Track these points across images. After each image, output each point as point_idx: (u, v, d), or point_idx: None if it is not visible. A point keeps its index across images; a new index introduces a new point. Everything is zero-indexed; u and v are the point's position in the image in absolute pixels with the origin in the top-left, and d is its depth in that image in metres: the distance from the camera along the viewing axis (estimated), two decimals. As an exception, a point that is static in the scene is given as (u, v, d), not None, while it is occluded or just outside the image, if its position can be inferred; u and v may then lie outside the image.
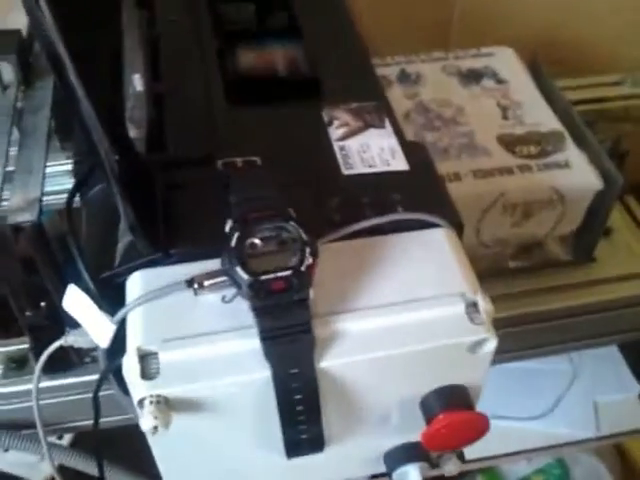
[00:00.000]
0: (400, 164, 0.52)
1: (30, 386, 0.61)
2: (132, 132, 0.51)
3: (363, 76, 0.61)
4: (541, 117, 0.72)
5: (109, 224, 0.47)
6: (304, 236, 0.41)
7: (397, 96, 0.72)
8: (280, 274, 0.40)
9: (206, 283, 0.42)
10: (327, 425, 0.43)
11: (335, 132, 0.54)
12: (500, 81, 0.75)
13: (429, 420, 0.45)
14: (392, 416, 0.47)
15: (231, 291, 0.42)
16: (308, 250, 0.41)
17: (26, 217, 0.51)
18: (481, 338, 0.43)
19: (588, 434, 1.04)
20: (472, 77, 0.75)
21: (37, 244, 0.52)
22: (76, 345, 0.52)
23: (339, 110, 0.56)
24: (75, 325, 0.55)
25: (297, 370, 0.40)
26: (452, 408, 0.45)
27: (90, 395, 0.63)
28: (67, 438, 0.80)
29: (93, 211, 0.50)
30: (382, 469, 0.51)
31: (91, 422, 0.50)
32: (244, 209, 0.42)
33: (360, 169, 0.52)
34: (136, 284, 0.44)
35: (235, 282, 0.40)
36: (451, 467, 0.51)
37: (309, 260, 0.40)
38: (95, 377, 0.61)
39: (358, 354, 0.41)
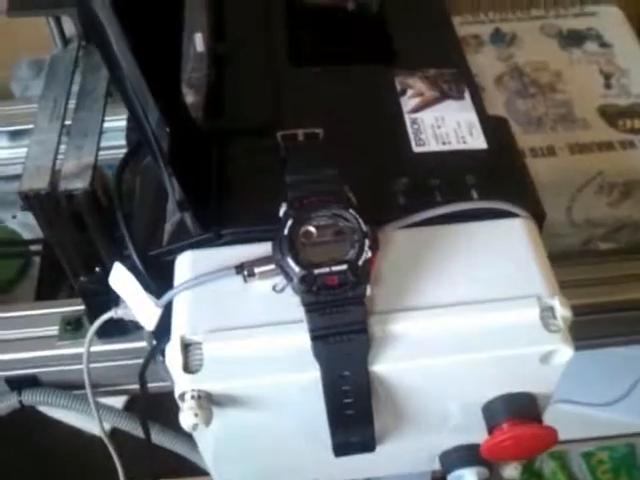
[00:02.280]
0: (478, 142, 0.47)
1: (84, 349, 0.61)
2: (189, 97, 0.47)
3: (442, 39, 0.56)
4: (649, 87, 0.64)
5: (161, 198, 0.44)
6: (363, 227, 0.37)
7: (489, 58, 0.66)
8: (335, 268, 0.36)
9: (256, 270, 0.39)
10: (379, 426, 0.40)
11: (408, 103, 0.50)
12: (604, 45, 0.67)
13: (492, 429, 0.41)
14: (450, 420, 0.43)
15: (283, 280, 0.39)
16: (367, 243, 0.37)
17: (78, 184, 0.48)
18: (556, 348, 0.38)
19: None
20: (573, 39, 0.68)
21: (89, 211, 0.50)
22: (126, 318, 0.51)
23: (414, 77, 0.51)
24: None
25: (349, 372, 0.37)
26: (518, 419, 0.41)
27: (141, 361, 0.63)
28: (121, 401, 0.80)
29: (146, 181, 0.47)
30: (435, 466, 0.48)
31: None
32: (300, 192, 0.39)
33: (433, 146, 0.47)
34: (184, 265, 0.41)
35: (286, 274, 0.37)
36: (512, 471, 0.48)
37: (368, 254, 0.37)
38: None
39: (416, 359, 0.38)
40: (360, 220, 0.37)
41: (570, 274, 0.58)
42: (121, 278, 0.42)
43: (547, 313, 0.39)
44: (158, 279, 0.43)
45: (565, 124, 0.61)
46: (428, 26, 0.57)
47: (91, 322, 0.60)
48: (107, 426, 0.61)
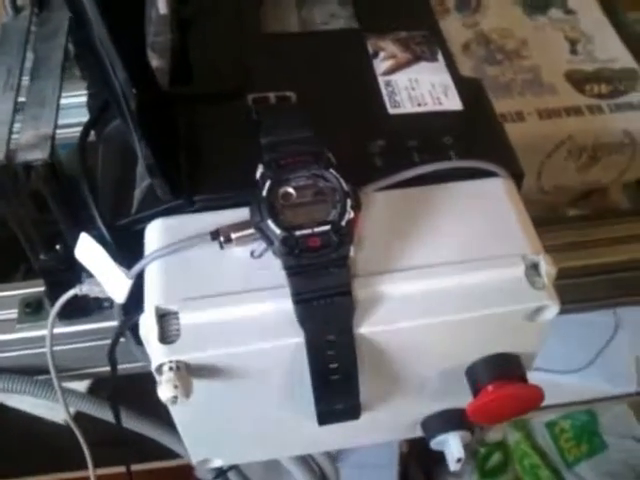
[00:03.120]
0: (453, 103, 0.46)
1: (45, 332, 0.58)
2: (154, 62, 0.45)
3: (411, 1, 0.55)
4: (614, 53, 0.64)
5: (127, 165, 0.42)
6: (345, 186, 0.36)
7: (455, 25, 0.65)
8: (317, 229, 0.35)
9: (233, 236, 0.38)
10: (362, 393, 0.39)
11: (380, 65, 0.48)
12: (569, 11, 0.67)
13: (476, 391, 0.40)
14: (433, 383, 0.42)
15: (261, 245, 0.37)
16: (349, 202, 0.36)
17: (37, 155, 0.46)
18: (542, 305, 0.38)
19: (628, 389, 1.00)
20: (538, 6, 0.67)
21: (49, 184, 0.47)
22: (91, 294, 0.49)
23: (386, 40, 0.50)
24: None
25: (333, 336, 0.36)
26: (503, 379, 0.40)
27: (107, 342, 0.61)
28: (84, 384, 0.78)
29: (110, 149, 0.45)
30: (417, 434, 0.48)
31: (108, 369, 0.47)
32: (277, 153, 0.37)
33: (408, 108, 0.46)
34: (155, 233, 0.39)
35: (266, 237, 0.35)
36: (496, 435, 0.47)
37: (350, 214, 0.35)
38: (113, 323, 0.59)
39: (402, 320, 0.37)
40: (341, 180, 0.36)
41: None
42: (88, 250, 0.40)
43: (531, 271, 0.39)
44: (127, 250, 0.41)
45: (533, 89, 0.61)
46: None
47: (52, 302, 0.57)
48: (71, 411, 0.59)
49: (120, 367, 0.48)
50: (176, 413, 0.39)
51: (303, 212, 0.36)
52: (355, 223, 0.36)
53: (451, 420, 0.45)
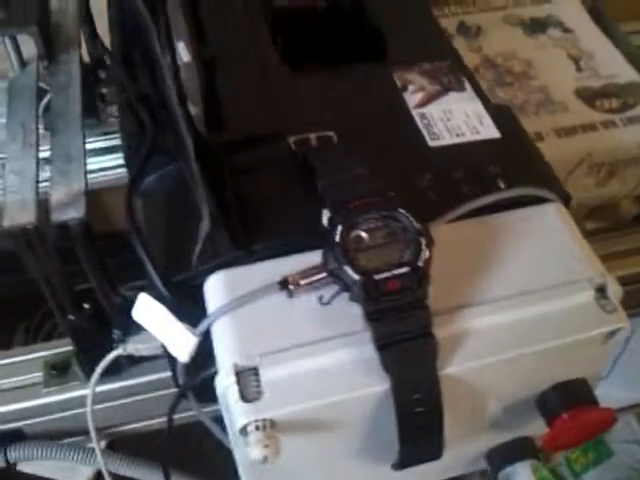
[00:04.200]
0: (490, 131, 0.46)
1: (74, 394, 0.56)
2: (191, 110, 0.44)
3: (427, 29, 0.55)
4: (616, 68, 0.65)
5: (176, 218, 0.41)
6: (417, 225, 0.35)
7: (462, 50, 0.65)
8: (396, 271, 0.34)
9: (302, 282, 0.37)
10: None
11: (412, 98, 0.48)
12: (566, 30, 0.69)
13: (551, 420, 0.40)
14: (501, 415, 0.42)
15: (330, 290, 0.37)
16: (423, 241, 0.35)
17: (72, 214, 0.44)
18: (616, 327, 0.38)
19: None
20: (537, 27, 0.69)
21: (84, 242, 0.46)
22: (137, 354, 0.47)
23: (412, 72, 0.50)
24: (121, 327, 0.50)
25: (419, 380, 0.35)
26: (576, 406, 0.40)
27: (139, 397, 0.59)
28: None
29: (153, 203, 0.43)
30: (481, 466, 0.47)
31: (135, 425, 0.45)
32: (340, 195, 0.37)
33: (447, 139, 0.46)
34: (218, 287, 0.38)
35: (343, 283, 0.35)
36: (557, 458, 0.47)
37: (426, 253, 0.35)
38: (145, 379, 0.57)
39: (484, 357, 0.36)
40: (412, 218, 0.36)
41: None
42: (147, 309, 0.38)
43: (600, 294, 0.39)
44: (183, 306, 0.39)
45: (546, 108, 0.62)
46: (410, 16, 0.56)
47: (84, 363, 0.55)
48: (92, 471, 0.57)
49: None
50: (254, 472, 0.38)
51: (376, 255, 0.35)
52: (430, 261, 0.35)
53: (519, 450, 0.44)
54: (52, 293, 0.51)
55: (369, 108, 0.47)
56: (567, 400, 0.40)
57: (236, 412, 0.34)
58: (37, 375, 0.57)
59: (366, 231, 0.35)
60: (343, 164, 0.39)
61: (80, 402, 0.54)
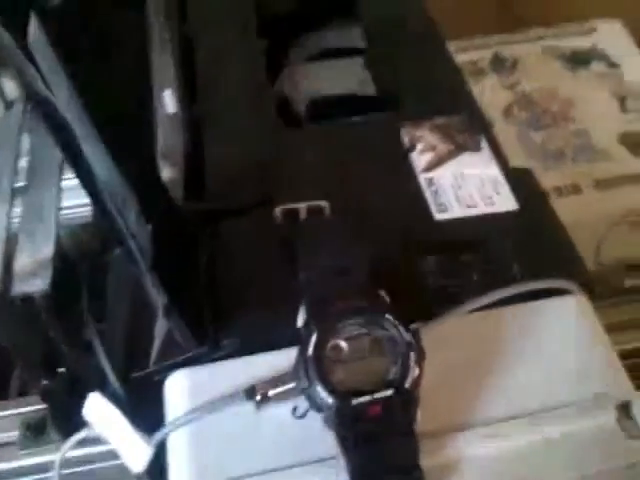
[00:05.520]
0: (507, 202, 0.41)
1: (49, 458, 0.52)
2: (165, 173, 0.40)
3: (444, 75, 0.49)
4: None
5: (140, 305, 0.36)
6: (406, 336, 0.30)
7: (493, 87, 0.60)
8: (378, 395, 0.29)
9: (271, 393, 0.32)
10: None
11: (420, 159, 0.43)
12: (612, 64, 0.62)
13: None
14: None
15: (304, 401, 0.31)
16: (413, 357, 0.30)
17: (36, 285, 0.40)
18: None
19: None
20: (579, 60, 0.62)
21: (50, 312, 0.42)
22: (104, 440, 0.43)
23: (422, 128, 0.44)
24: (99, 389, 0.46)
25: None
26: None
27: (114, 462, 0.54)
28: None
29: (117, 278, 0.39)
30: None
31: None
32: (322, 293, 0.31)
33: (456, 212, 0.40)
34: (179, 390, 0.33)
35: (315, 404, 0.29)
36: None
37: (415, 372, 0.29)
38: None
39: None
40: (400, 328, 0.30)
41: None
42: (99, 410, 0.34)
43: (623, 414, 0.33)
44: (143, 404, 0.35)
45: (586, 156, 0.55)
46: (424, 61, 0.50)
47: (57, 427, 0.51)
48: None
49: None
50: None
51: (357, 369, 0.30)
52: (420, 381, 0.30)
53: None
54: (23, 360, 0.47)
55: (370, 172, 0.42)
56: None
57: None
58: (12, 434, 0.54)
59: (347, 339, 0.30)
60: (329, 251, 0.34)
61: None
